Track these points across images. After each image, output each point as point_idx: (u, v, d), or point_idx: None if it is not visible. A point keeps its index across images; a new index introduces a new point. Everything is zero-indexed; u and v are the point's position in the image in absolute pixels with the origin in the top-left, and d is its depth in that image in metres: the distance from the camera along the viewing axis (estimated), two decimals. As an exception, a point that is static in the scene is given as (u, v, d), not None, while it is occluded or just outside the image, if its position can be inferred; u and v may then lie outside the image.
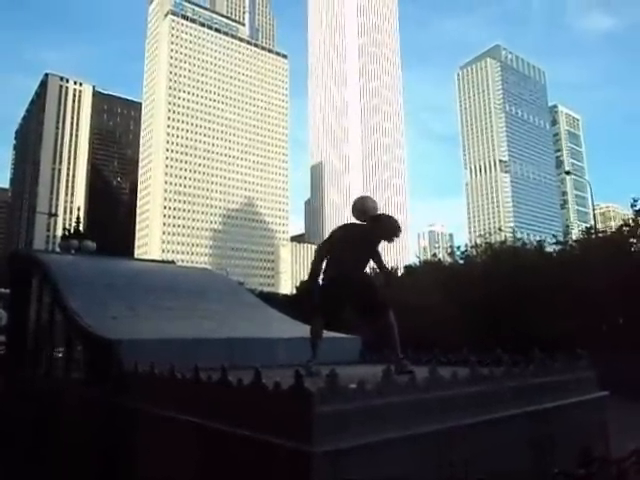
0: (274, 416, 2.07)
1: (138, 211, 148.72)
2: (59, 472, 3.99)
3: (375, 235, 3.58)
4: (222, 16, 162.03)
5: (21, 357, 5.39)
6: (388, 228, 3.56)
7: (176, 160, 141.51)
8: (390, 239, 3.59)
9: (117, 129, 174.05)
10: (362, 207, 3.68)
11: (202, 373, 2.56)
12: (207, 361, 2.83)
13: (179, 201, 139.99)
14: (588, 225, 19.16)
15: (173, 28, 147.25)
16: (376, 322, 3.56)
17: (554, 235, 16.86)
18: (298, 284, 32.08)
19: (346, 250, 3.54)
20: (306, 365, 3.23)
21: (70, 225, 21.16)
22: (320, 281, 3.61)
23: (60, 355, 4.51)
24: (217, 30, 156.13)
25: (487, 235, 18.99)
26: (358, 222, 3.70)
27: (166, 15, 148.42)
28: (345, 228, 3.72)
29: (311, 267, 3.67)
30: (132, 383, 3.18)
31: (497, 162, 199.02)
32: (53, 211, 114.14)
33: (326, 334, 4.67)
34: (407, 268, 22.19)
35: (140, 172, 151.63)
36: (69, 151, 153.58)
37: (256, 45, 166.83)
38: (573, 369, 3.23)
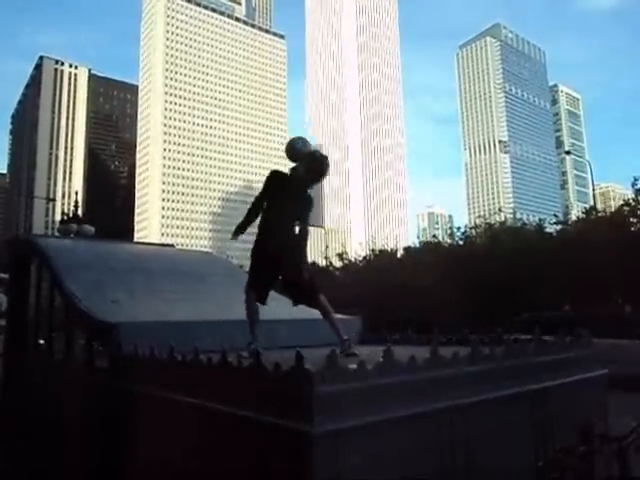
0: (274, 397, 2.07)
1: (137, 195, 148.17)
2: (55, 452, 4.02)
3: (308, 173, 3.46)
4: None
5: (21, 341, 5.40)
6: (318, 166, 3.47)
7: (174, 143, 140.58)
8: (319, 178, 3.52)
9: (114, 112, 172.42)
10: (292, 149, 3.56)
11: (202, 355, 2.55)
12: (207, 343, 2.82)
13: (178, 185, 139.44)
14: (588, 206, 19.13)
15: (168, 8, 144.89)
16: (309, 305, 3.49)
17: (555, 215, 16.85)
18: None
19: (282, 209, 3.40)
20: (247, 349, 3.10)
21: (68, 209, 21.12)
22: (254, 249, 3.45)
23: (60, 339, 4.51)
24: (213, 10, 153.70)
25: (487, 216, 18.97)
26: (290, 171, 3.55)
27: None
28: (279, 177, 3.56)
29: (242, 220, 3.52)
30: (131, 365, 3.18)
31: (497, 142, 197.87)
32: (51, 196, 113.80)
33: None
34: (406, 249, 22.19)
35: (138, 156, 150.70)
36: (66, 135, 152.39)
37: (253, 25, 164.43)
38: (573, 347, 3.24)
